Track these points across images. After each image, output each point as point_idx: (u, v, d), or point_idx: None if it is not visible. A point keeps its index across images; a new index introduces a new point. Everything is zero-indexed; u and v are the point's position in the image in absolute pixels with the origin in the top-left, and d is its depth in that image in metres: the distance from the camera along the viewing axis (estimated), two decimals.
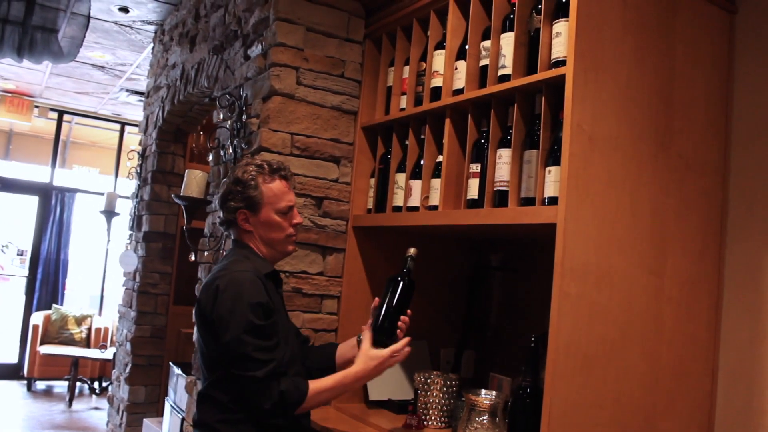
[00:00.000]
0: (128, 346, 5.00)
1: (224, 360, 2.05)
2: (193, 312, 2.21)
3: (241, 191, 2.19)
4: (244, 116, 3.10)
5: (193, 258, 3.45)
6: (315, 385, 2.12)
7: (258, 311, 2.04)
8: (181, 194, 3.41)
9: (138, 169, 5.39)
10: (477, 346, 3.12)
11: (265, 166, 2.22)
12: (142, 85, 7.04)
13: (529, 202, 2.16)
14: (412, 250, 2.40)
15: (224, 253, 3.06)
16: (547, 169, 2.08)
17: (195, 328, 2.25)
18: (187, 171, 3.43)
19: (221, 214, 2.27)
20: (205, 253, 3.35)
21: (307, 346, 2.49)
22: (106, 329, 8.35)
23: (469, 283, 3.19)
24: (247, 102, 3.11)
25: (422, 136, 2.74)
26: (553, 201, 2.02)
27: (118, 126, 9.36)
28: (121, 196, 6.56)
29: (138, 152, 5.45)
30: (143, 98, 5.82)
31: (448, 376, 2.69)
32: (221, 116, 3.25)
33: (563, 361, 1.93)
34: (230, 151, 3.13)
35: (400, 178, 2.80)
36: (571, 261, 1.95)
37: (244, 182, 2.19)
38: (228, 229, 2.30)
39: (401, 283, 2.33)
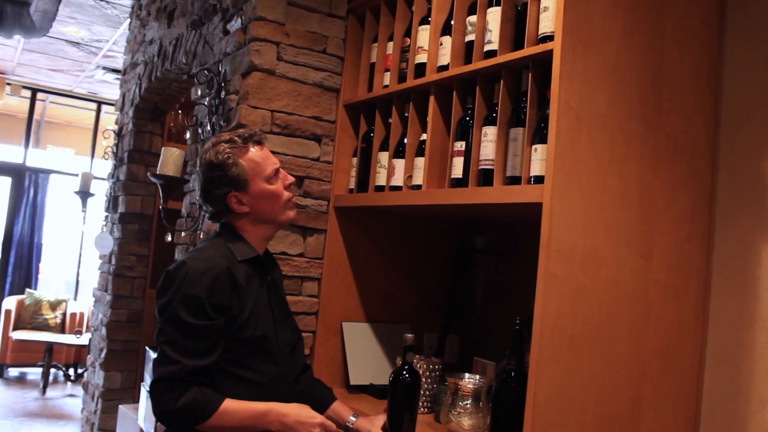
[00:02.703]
0: (104, 330, 4.97)
1: None
2: None
3: (222, 174, 2.05)
4: (223, 93, 3.06)
5: (169, 239, 3.42)
6: (229, 405, 1.94)
7: (192, 306, 1.92)
8: (158, 173, 3.38)
9: (114, 148, 5.35)
10: (461, 331, 3.12)
11: (236, 138, 2.09)
12: (119, 62, 6.96)
13: (514, 180, 2.15)
14: (409, 337, 2.20)
15: (201, 236, 3.04)
16: (534, 147, 2.07)
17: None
18: (163, 149, 3.40)
19: (209, 209, 2.13)
20: (182, 234, 3.32)
21: (302, 371, 2.33)
22: (82, 314, 8.30)
23: (453, 266, 3.18)
24: (226, 78, 3.07)
25: (406, 114, 2.73)
26: (540, 180, 2.02)
27: (94, 105, 9.29)
28: (96, 177, 6.51)
29: (114, 131, 5.39)
30: (120, 76, 5.76)
31: (431, 361, 2.69)
32: (199, 93, 3.22)
33: (548, 344, 1.93)
34: (208, 128, 3.10)
35: (383, 156, 2.78)
36: (557, 241, 1.94)
37: (222, 164, 2.05)
38: (220, 219, 2.15)
39: (401, 386, 2.16)
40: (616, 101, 2.08)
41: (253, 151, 2.10)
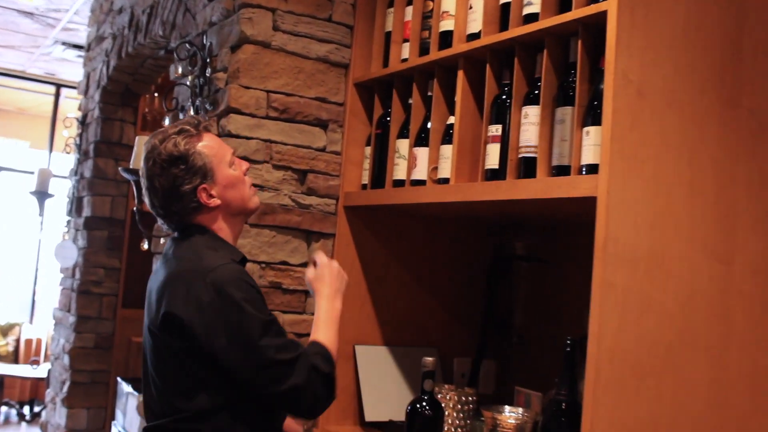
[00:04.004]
0: (66, 359, 4.99)
1: (238, 380, 2.00)
2: (148, 329, 2.12)
3: (186, 167, 2.12)
4: (209, 70, 3.08)
5: (146, 246, 3.44)
6: (317, 335, 2.18)
7: (260, 304, 2.04)
8: (131, 167, 3.40)
9: (77, 140, 5.38)
10: (499, 355, 3.12)
11: (187, 127, 2.18)
12: (82, 36, 7.00)
13: (562, 171, 2.14)
14: (428, 361, 2.27)
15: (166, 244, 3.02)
16: (585, 129, 2.07)
17: (151, 351, 2.13)
18: (137, 138, 3.42)
19: (177, 211, 2.16)
20: (161, 241, 3.34)
21: None
22: (39, 341, 8.36)
23: (488, 276, 3.18)
24: (212, 53, 3.09)
25: (429, 93, 2.73)
26: (593, 169, 2.01)
27: (52, 88, 9.34)
28: (56, 175, 6.55)
29: (77, 119, 5.43)
30: (83, 53, 5.79)
31: (463, 392, 2.69)
32: (180, 71, 3.24)
33: (607, 370, 1.92)
34: (191, 113, 3.11)
35: (403, 145, 2.79)
36: (616, 244, 1.94)
37: (183, 155, 2.12)
38: (187, 223, 2.19)
39: (420, 420, 2.24)
40: (686, 72, 2.08)
41: (208, 138, 2.21)
